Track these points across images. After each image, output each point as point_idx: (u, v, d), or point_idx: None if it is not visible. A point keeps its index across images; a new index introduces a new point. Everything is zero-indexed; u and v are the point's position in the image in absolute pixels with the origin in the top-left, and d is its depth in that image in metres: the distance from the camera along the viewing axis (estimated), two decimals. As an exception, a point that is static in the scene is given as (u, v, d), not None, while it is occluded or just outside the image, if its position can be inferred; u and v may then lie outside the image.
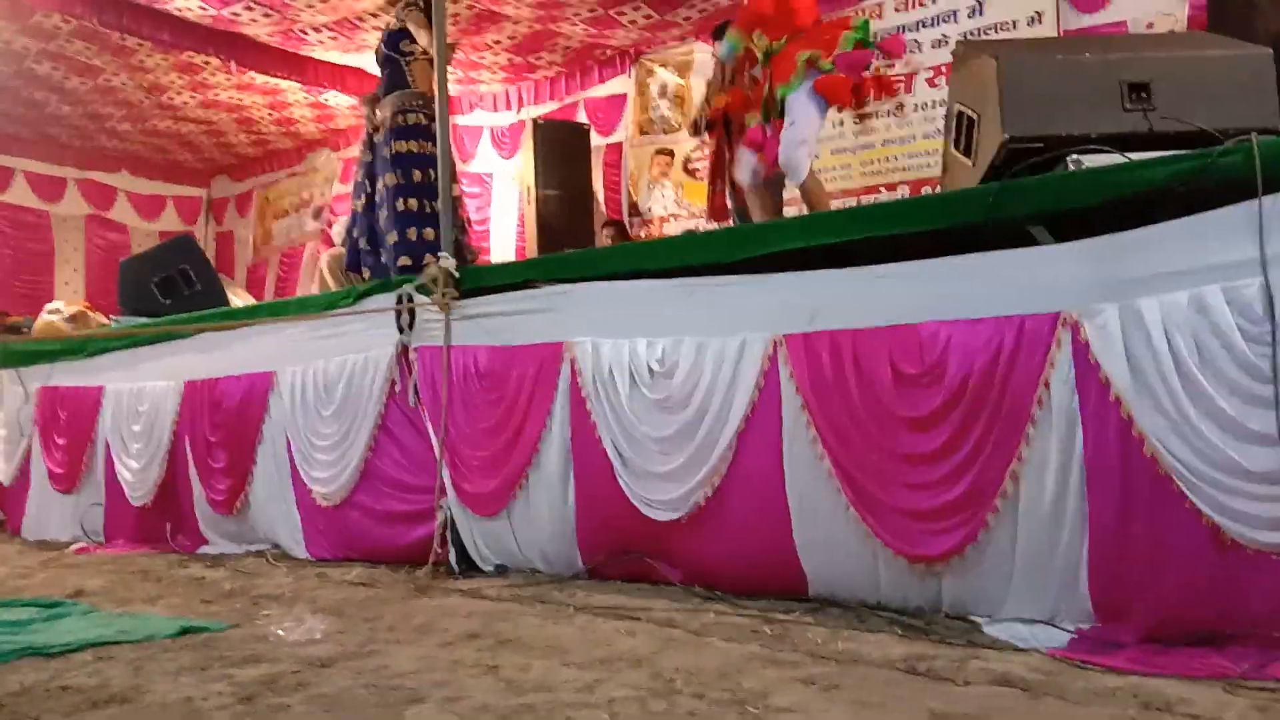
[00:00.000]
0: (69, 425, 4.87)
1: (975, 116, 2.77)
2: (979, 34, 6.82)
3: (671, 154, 8.81)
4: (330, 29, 7.83)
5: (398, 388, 3.69)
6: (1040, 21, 6.59)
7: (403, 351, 3.68)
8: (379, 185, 4.35)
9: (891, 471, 2.62)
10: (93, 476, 4.77)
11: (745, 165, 4.11)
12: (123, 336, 4.41)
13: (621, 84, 9.07)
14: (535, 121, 8.50)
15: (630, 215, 8.99)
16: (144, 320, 4.93)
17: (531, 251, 8.45)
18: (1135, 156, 2.42)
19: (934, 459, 2.56)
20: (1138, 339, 2.26)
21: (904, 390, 2.61)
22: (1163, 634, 2.23)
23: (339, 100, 9.65)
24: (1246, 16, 4.44)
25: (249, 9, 7.36)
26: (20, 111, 9.59)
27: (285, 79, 8.70)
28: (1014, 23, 6.68)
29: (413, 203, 4.14)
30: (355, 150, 10.80)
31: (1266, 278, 2.11)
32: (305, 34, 7.93)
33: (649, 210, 8.93)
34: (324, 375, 3.92)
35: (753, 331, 2.91)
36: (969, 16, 6.88)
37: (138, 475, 4.54)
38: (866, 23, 3.78)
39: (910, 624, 2.52)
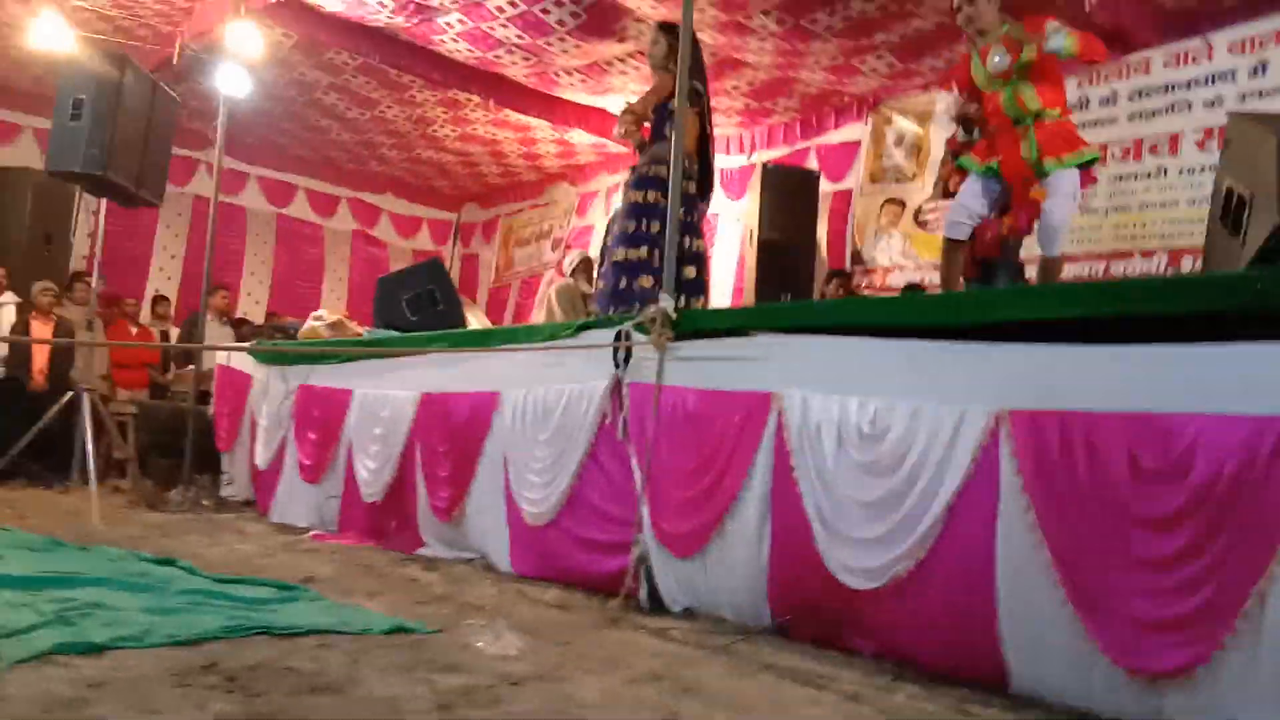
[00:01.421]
0: (320, 422, 5.39)
1: (1248, 195, 2.54)
2: (1261, 95, 6.22)
3: (903, 204, 8.61)
4: (580, 72, 8.29)
5: (608, 420, 3.82)
6: (1337, 84, 5.93)
7: (616, 386, 3.81)
8: (614, 226, 4.57)
9: (1117, 572, 2.41)
10: (335, 471, 5.25)
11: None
12: (370, 347, 4.83)
13: (856, 131, 8.99)
14: (764, 165, 8.57)
15: (853, 263, 8.85)
16: (392, 334, 5.39)
17: (749, 292, 8.50)
18: None
19: (1167, 565, 2.33)
20: None
21: (1141, 484, 2.40)
22: None
23: (581, 138, 10.17)
24: None
25: (510, 52, 7.92)
26: (307, 135, 10.79)
27: (536, 117, 9.27)
28: (1305, 84, 6.05)
29: (633, 253, 4.31)
30: (594, 185, 11.42)
31: None
32: (557, 76, 8.43)
33: (873, 259, 8.76)
34: (543, 401, 4.13)
35: (973, 403, 2.78)
36: (1250, 76, 6.30)
37: (373, 474, 4.94)
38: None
39: (1123, 739, 2.31)
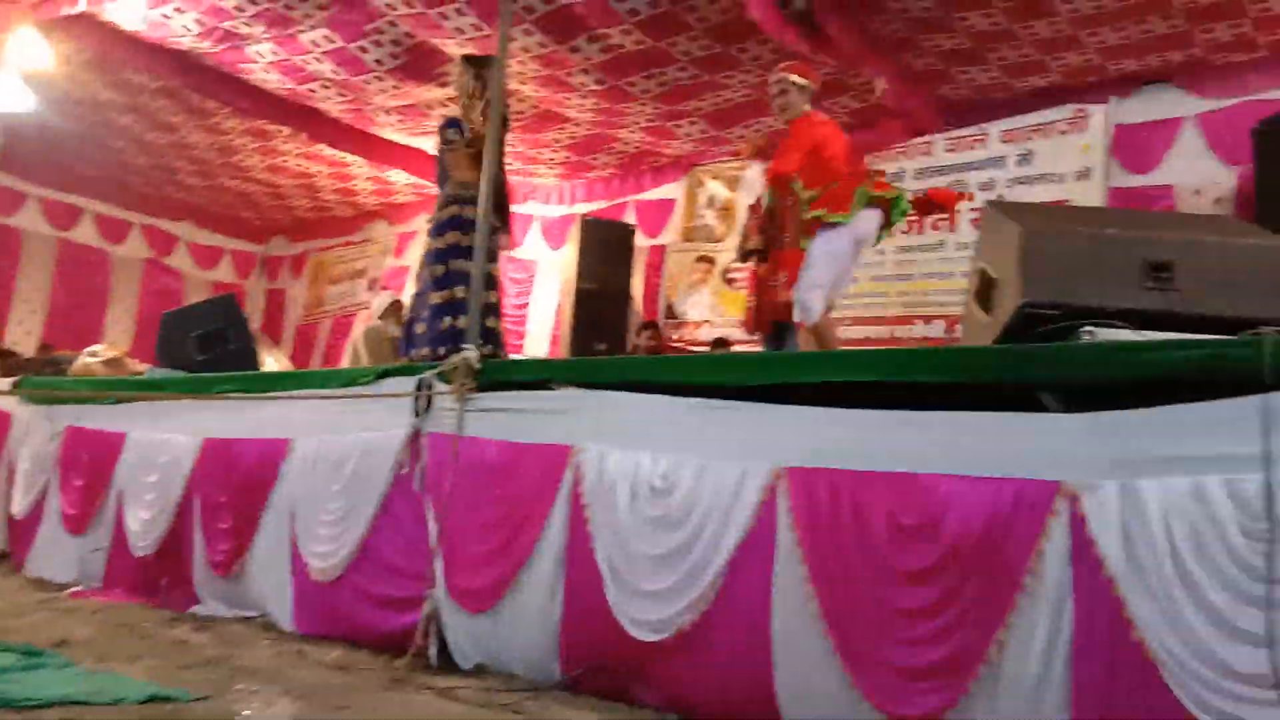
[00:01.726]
0: (89, 467, 4.95)
1: (997, 277, 2.81)
2: (1026, 182, 6.93)
3: (712, 261, 8.97)
4: (399, 113, 8.18)
5: (405, 471, 3.72)
6: (1089, 177, 6.70)
7: (415, 436, 3.73)
8: (422, 275, 4.53)
9: (878, 623, 2.57)
10: (103, 521, 4.82)
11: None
12: (147, 388, 4.51)
13: (672, 190, 9.32)
14: (583, 218, 8.73)
15: (666, 316, 9.11)
16: (176, 374, 5.05)
17: (565, 342, 8.58)
18: (1151, 335, 2.44)
19: (922, 616, 2.51)
20: (1135, 520, 2.23)
21: (899, 540, 2.58)
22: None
23: (400, 177, 10.00)
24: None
25: (325, 87, 7.72)
26: (98, 156, 10.06)
27: (352, 154, 9.05)
28: (1061, 175, 6.79)
29: (444, 295, 4.27)
30: (413, 225, 11.23)
31: (1268, 476, 2.08)
32: (376, 115, 8.28)
33: (685, 313, 9.05)
34: (337, 450, 3.97)
35: (755, 460, 2.91)
36: (1017, 164, 7.01)
37: (145, 526, 4.58)
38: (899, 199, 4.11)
39: (883, 784, 2.44)
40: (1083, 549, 2.29)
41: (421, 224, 11.05)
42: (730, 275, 8.72)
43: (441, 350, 3.99)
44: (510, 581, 3.34)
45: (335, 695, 2.95)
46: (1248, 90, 6.33)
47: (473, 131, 4.60)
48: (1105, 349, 2.41)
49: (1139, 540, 2.22)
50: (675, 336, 8.93)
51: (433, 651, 3.42)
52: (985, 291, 2.90)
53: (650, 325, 8.57)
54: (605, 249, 8.59)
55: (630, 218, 9.46)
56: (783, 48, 6.05)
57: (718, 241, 8.89)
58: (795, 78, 4.75)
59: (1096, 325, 2.51)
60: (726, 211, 8.84)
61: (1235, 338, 2.23)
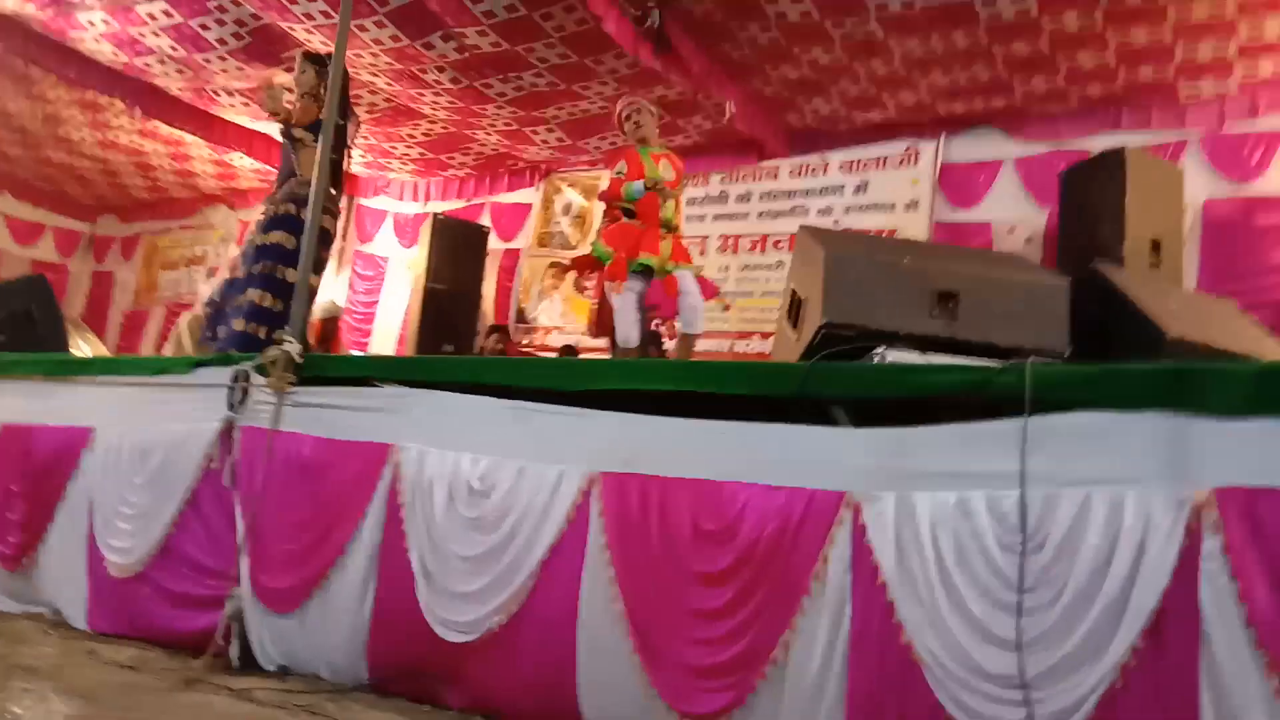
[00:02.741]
0: None
1: (804, 297, 2.96)
2: (861, 210, 7.31)
3: (566, 269, 9.00)
4: (244, 94, 7.87)
5: (215, 465, 3.58)
6: (916, 209, 7.12)
7: (228, 429, 3.60)
8: (243, 270, 4.36)
9: (677, 624, 2.66)
10: (-127, 509, 4.42)
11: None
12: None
13: (529, 195, 9.32)
14: (436, 216, 8.62)
15: (517, 321, 9.09)
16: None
17: (412, 340, 8.43)
18: (934, 358, 2.63)
19: (716, 617, 2.61)
20: (908, 531, 2.39)
21: (699, 545, 2.68)
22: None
23: (244, 161, 9.60)
24: (1090, 230, 4.93)
25: (162, 62, 7.35)
26: (-98, 115, 9.22)
27: (191, 134, 8.63)
28: (893, 205, 7.20)
29: (268, 298, 4.15)
30: (257, 212, 10.77)
31: (1023, 492, 2.28)
32: (217, 95, 7.93)
33: (536, 318, 9.06)
34: (143, 441, 3.78)
35: (572, 463, 2.97)
36: (854, 193, 7.38)
37: (-77, 516, 4.23)
38: None
39: (673, 781, 2.52)
40: (861, 556, 2.44)
41: (266, 211, 10.65)
42: (582, 284, 8.78)
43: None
44: (319, 581, 3.27)
45: (121, 695, 2.81)
46: (1060, 137, 6.89)
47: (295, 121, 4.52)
48: (890, 370, 2.58)
49: (910, 549, 2.38)
50: (525, 341, 8.92)
51: (234, 652, 3.31)
52: (794, 310, 3.06)
53: (499, 329, 8.53)
54: (457, 250, 8.50)
55: (486, 220, 9.40)
56: (637, 64, 6.17)
57: (572, 249, 8.95)
58: (649, 105, 5.16)
59: (888, 347, 2.69)
60: (581, 220, 8.91)
61: (1003, 365, 2.44)
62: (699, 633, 2.63)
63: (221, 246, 11.09)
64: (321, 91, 4.44)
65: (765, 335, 7.40)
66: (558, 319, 8.89)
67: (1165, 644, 2.06)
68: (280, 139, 4.84)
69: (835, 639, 2.44)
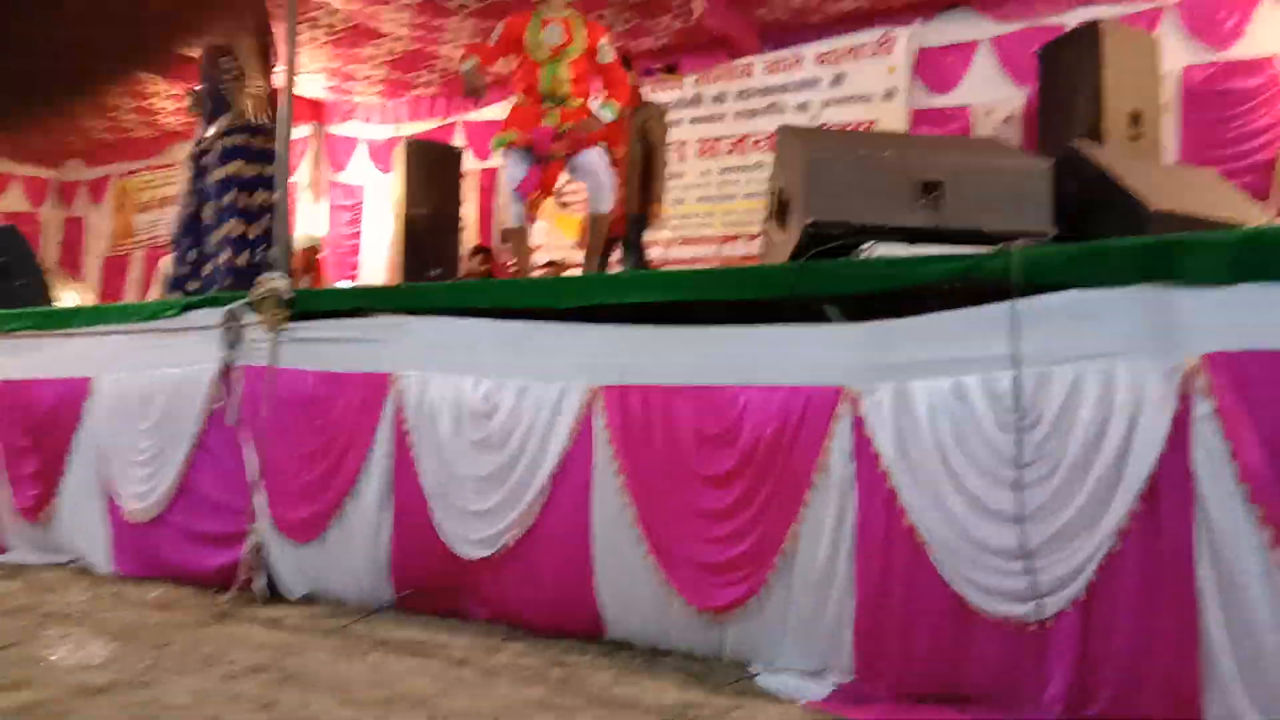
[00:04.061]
0: None
1: (789, 197, 2.97)
2: (839, 103, 7.21)
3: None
4: (198, 25, 7.62)
5: (219, 405, 3.62)
6: (894, 98, 7.03)
7: (227, 369, 3.62)
8: (208, 208, 4.32)
9: (687, 525, 2.76)
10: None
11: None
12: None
13: (500, 110, 9.12)
14: (408, 140, 8.45)
15: (501, 241, 9.01)
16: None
17: (398, 268, 8.38)
18: (921, 249, 2.66)
19: (725, 516, 2.70)
20: (906, 418, 2.47)
21: (703, 448, 2.75)
22: (912, 691, 2.42)
23: (206, 96, 9.36)
24: (1069, 107, 4.91)
25: (111, -5, 7.09)
26: None
27: (147, 71, 8.38)
28: (870, 96, 7.10)
29: (241, 226, 4.12)
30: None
31: (1018, 372, 2.35)
32: (172, 27, 7.68)
33: (519, 238, 8.96)
34: (143, 387, 3.81)
35: (572, 379, 3.01)
36: (830, 85, 7.27)
37: (-64, 476, 4.27)
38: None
39: (693, 670, 2.65)
40: (862, 447, 2.52)
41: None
42: (564, 199, 8.69)
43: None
44: (336, 510, 3.35)
45: (156, 632, 2.91)
46: (1035, 14, 6.76)
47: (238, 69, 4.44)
48: (879, 264, 2.61)
49: (909, 436, 2.46)
50: (510, 262, 8.87)
51: (259, 585, 3.41)
52: (780, 211, 3.07)
53: (482, 250, 8.47)
54: (432, 173, 8.35)
55: (460, 139, 9.22)
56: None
57: (550, 163, 8.82)
58: None
59: (876, 242, 2.71)
60: (556, 132, 8.76)
61: (989, 250, 2.47)
62: (710, 531, 2.73)
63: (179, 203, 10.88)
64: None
65: (750, 238, 7.39)
66: (542, 236, 8.82)
67: (1161, 507, 2.16)
68: (202, 76, 4.70)
69: (841, 528, 2.54)
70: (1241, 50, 6.07)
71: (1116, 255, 2.35)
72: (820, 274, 2.64)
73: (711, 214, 7.57)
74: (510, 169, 4.32)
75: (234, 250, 4.18)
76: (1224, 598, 2.07)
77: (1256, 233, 2.42)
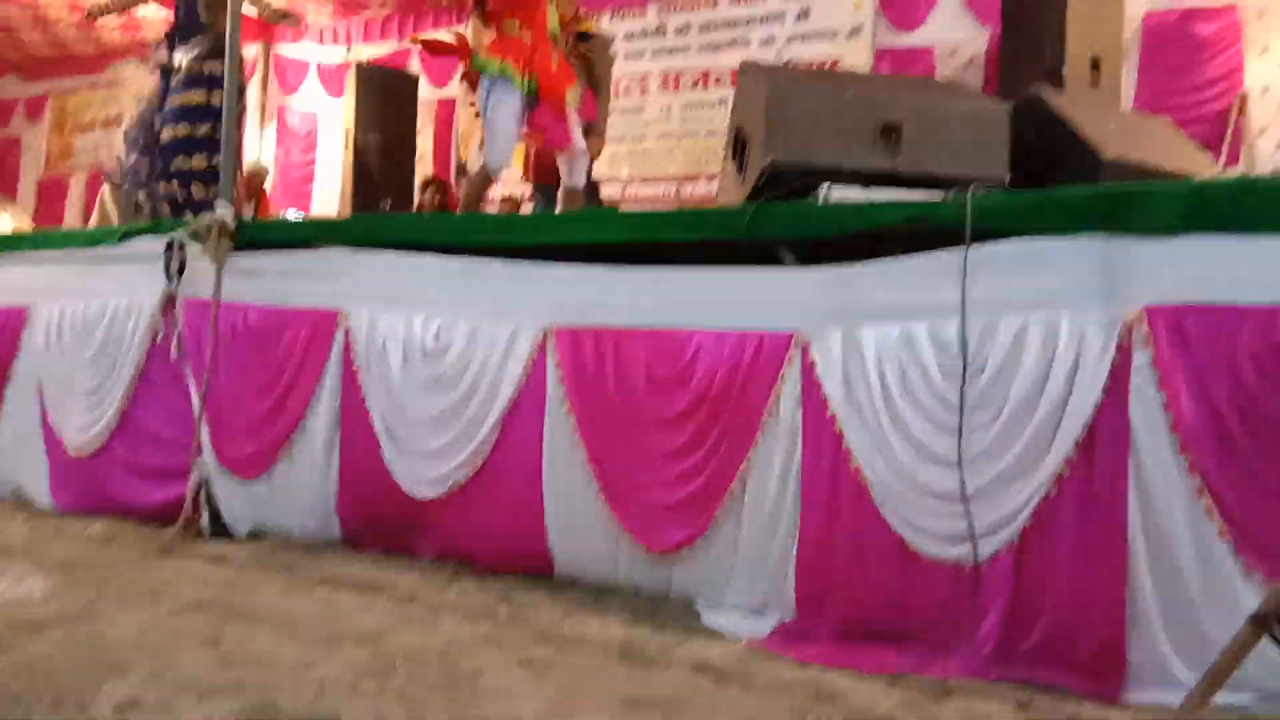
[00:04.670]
0: None
1: (748, 136, 2.93)
2: (803, 39, 7.11)
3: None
4: (139, -65, 7.25)
5: (161, 338, 3.54)
6: (859, 35, 6.94)
7: (169, 301, 3.53)
8: (164, 132, 4.17)
9: (637, 465, 2.77)
10: None
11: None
12: None
13: (460, 32, 8.86)
14: (359, 65, 8.19)
15: (458, 175, 8.84)
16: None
17: (348, 200, 8.18)
18: (877, 194, 2.64)
19: (675, 457, 2.72)
20: (855, 363, 2.48)
21: (655, 390, 2.75)
22: (852, 630, 2.47)
23: (151, 11, 8.94)
24: (1031, 49, 4.88)
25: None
26: None
27: (86, -18, 7.99)
28: (835, 33, 7.01)
29: (198, 160, 4.00)
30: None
31: (964, 320, 2.36)
32: (110, -64, 7.30)
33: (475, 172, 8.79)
34: (84, 317, 3.71)
35: (526, 319, 2.99)
36: (795, 20, 7.16)
37: None
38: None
39: (640, 608, 2.68)
40: (810, 391, 2.54)
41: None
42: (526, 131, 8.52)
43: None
44: (282, 447, 3.32)
45: (97, 567, 2.88)
46: (1003, -46, 6.67)
47: None
48: (835, 209, 2.60)
49: (857, 381, 2.48)
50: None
51: (205, 520, 3.38)
52: (738, 149, 3.03)
53: (435, 182, 8.29)
54: (386, 100, 8.11)
55: (415, 65, 8.95)
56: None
57: (509, 94, 8.61)
58: None
59: (832, 185, 2.69)
60: (516, 60, 8.54)
61: (944, 197, 2.46)
62: (660, 473, 2.74)
63: (135, 105, 10.47)
64: None
65: (711, 177, 7.31)
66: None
67: (1097, 454, 2.20)
68: None
69: (788, 469, 2.57)
70: (1204, -5, 6.06)
71: (1068, 204, 2.36)
72: (776, 216, 2.62)
73: (672, 152, 7.47)
74: (506, 99, 3.92)
75: (189, 182, 4.05)
76: (1151, 543, 2.14)
77: (1205, 184, 2.44)
